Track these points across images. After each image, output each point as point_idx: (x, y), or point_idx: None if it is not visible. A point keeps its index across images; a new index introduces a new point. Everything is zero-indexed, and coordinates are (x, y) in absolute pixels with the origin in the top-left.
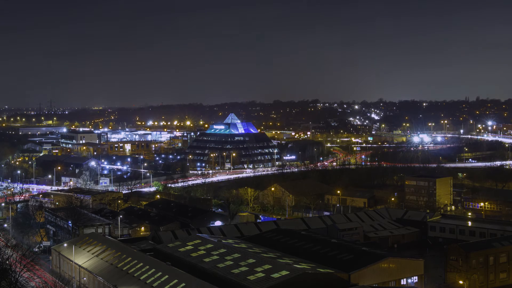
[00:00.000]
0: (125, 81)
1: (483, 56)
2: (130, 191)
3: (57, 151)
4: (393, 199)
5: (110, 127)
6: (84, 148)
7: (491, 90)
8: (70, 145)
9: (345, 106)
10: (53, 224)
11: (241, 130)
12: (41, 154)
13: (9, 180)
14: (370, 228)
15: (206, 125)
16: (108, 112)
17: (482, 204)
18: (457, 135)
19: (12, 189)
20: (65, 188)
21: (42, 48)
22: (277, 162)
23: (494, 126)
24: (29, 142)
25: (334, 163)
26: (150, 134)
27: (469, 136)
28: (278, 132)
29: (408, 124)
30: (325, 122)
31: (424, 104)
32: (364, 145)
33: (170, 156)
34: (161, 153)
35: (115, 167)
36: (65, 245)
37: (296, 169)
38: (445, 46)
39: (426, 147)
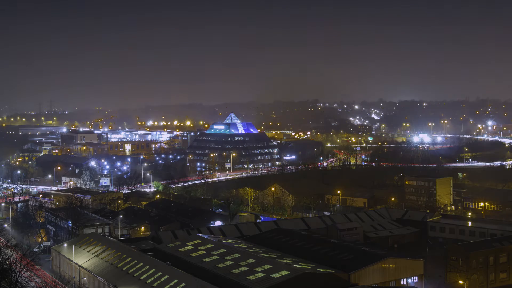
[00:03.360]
0: (125, 81)
1: (483, 56)
2: (130, 191)
3: (57, 151)
4: (393, 199)
5: (110, 127)
6: (84, 148)
7: (491, 90)
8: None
9: (345, 106)
10: (53, 224)
11: (241, 130)
12: (41, 154)
13: (9, 180)
14: (370, 228)
15: (206, 125)
16: (108, 112)
17: (482, 204)
18: (457, 135)
19: (12, 189)
20: (65, 188)
21: (42, 48)
22: (277, 162)
23: (494, 126)
24: (29, 142)
25: (334, 163)
26: (150, 134)
27: (469, 136)
28: (278, 132)
29: (408, 124)
30: (325, 122)
31: (424, 104)
32: (364, 145)
33: (170, 156)
34: (161, 153)
35: (115, 167)
36: (65, 245)
37: (295, 169)
38: (445, 46)
39: (426, 147)
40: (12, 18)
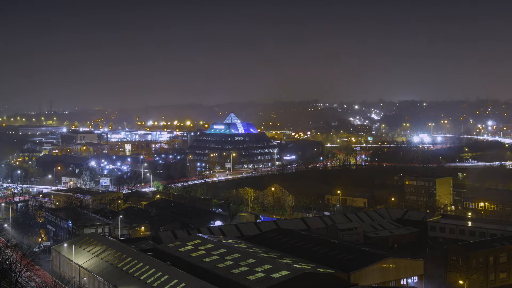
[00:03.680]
0: (125, 81)
1: (483, 56)
2: (130, 191)
3: (57, 151)
4: (393, 199)
5: (110, 127)
6: (84, 148)
7: (491, 90)
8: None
9: (345, 106)
10: (53, 224)
11: (241, 130)
12: (41, 154)
13: (9, 180)
14: (370, 228)
15: (206, 125)
16: (108, 112)
17: (482, 204)
18: (457, 135)
19: (12, 189)
20: (65, 188)
21: (42, 48)
22: (277, 162)
23: (494, 126)
24: (29, 142)
25: (334, 163)
26: (150, 134)
27: (469, 136)
28: (278, 132)
29: (408, 124)
30: (325, 122)
31: (424, 104)
32: (364, 145)
33: (170, 156)
34: (161, 153)
35: (115, 167)
36: (65, 245)
37: (295, 169)
38: (444, 45)
39: (426, 147)
40: (12, 18)
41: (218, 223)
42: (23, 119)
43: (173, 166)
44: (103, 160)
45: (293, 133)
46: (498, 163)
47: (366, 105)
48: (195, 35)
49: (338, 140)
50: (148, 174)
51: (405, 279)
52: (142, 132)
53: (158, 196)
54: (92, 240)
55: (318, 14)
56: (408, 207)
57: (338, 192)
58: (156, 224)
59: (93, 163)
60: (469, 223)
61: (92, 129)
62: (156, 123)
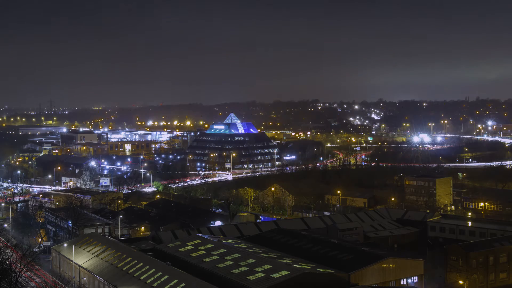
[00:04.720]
0: (125, 81)
1: (483, 55)
2: (130, 191)
3: (57, 151)
4: (393, 199)
5: (110, 127)
6: (84, 148)
7: (491, 90)
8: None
9: (345, 106)
10: (53, 224)
11: (241, 130)
12: (41, 154)
13: (9, 180)
14: (370, 228)
15: (206, 125)
16: (108, 112)
17: (482, 204)
18: (457, 135)
19: (12, 189)
20: (65, 188)
21: (42, 48)
22: (277, 162)
23: (494, 126)
24: (29, 142)
25: (334, 163)
26: (150, 134)
27: (469, 136)
28: (278, 132)
29: (408, 124)
30: (325, 122)
31: (424, 104)
32: (364, 145)
33: (170, 156)
34: (161, 153)
35: (115, 167)
36: (65, 245)
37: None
38: (444, 46)
39: (426, 147)
40: (12, 18)
41: (218, 223)
42: (23, 119)
43: (173, 166)
44: (103, 160)
45: (293, 133)
46: (498, 163)
47: (366, 105)
48: (195, 35)
49: (338, 140)
50: (148, 174)
51: (405, 279)
52: (142, 132)
53: (158, 196)
54: (92, 240)
55: (318, 14)
56: (408, 207)
57: (338, 192)
58: (156, 224)
59: (93, 163)
60: (469, 223)
61: (92, 129)
62: (156, 123)
